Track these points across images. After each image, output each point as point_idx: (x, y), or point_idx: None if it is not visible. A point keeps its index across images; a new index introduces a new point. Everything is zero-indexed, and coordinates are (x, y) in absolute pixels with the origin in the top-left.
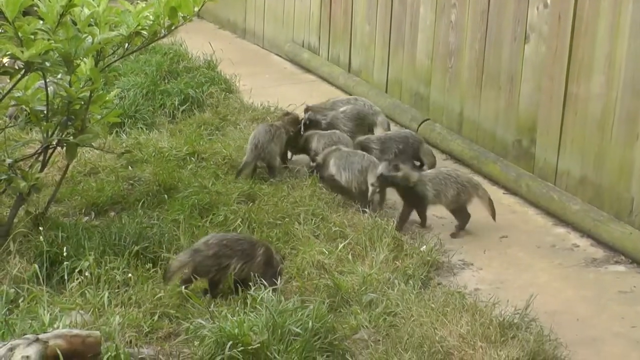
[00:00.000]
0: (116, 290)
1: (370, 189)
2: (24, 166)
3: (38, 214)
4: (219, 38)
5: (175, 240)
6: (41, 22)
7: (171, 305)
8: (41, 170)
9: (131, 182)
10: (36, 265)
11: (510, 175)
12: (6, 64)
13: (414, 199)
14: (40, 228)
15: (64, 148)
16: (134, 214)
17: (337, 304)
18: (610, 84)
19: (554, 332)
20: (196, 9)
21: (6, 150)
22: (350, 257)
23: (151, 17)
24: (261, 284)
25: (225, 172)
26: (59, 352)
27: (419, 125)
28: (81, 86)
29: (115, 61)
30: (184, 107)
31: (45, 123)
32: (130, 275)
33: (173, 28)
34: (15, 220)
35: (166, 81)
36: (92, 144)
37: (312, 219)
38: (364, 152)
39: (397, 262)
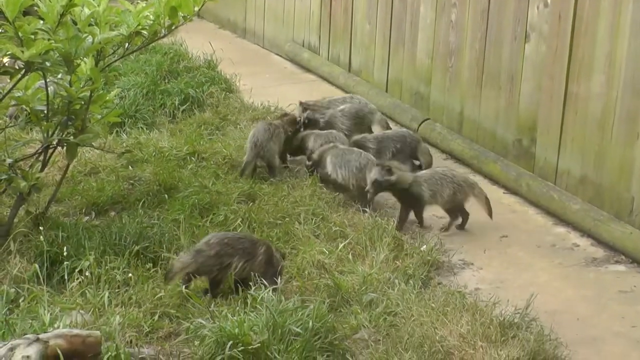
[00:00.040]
0: (116, 290)
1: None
2: (24, 166)
3: (38, 214)
4: (219, 38)
5: (176, 240)
6: (41, 21)
7: (171, 305)
8: (41, 170)
9: (131, 181)
10: (36, 265)
11: (511, 174)
12: (6, 64)
13: (410, 200)
14: (41, 228)
15: (64, 148)
16: (134, 213)
17: (338, 304)
18: (610, 84)
19: (554, 332)
20: (196, 8)
21: (6, 150)
22: (350, 256)
23: (151, 16)
24: (261, 283)
25: (225, 171)
26: (59, 352)
27: (419, 125)
28: (81, 86)
29: (116, 61)
30: (184, 106)
31: (45, 123)
32: (130, 275)
33: (173, 28)
34: (16, 220)
35: (166, 81)
36: (93, 143)
37: (312, 219)
38: (361, 150)
39: (397, 262)
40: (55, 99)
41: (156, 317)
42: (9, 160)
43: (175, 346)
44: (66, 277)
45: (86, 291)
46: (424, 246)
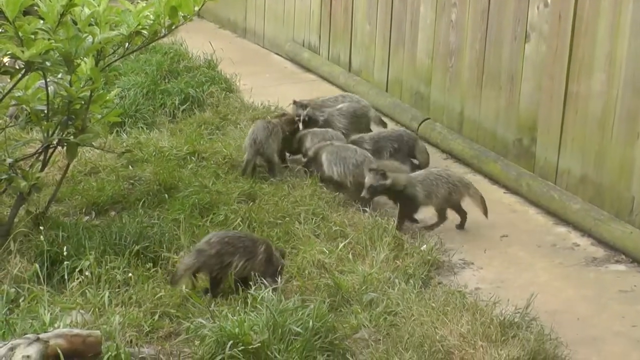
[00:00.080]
0: (117, 290)
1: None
2: (25, 166)
3: (38, 214)
4: (219, 37)
5: (176, 240)
6: (41, 21)
7: (172, 305)
8: (42, 169)
9: (132, 181)
10: (37, 265)
11: (511, 174)
12: (7, 64)
13: (405, 201)
14: (41, 227)
15: (65, 147)
16: (134, 213)
17: (338, 304)
18: (610, 83)
19: (555, 332)
20: (196, 8)
21: (7, 150)
22: (350, 256)
23: (151, 16)
24: (261, 283)
25: (225, 171)
26: (59, 351)
27: (419, 125)
28: (81, 86)
29: (116, 61)
30: (184, 106)
31: (45, 122)
32: (130, 274)
33: (173, 27)
34: (16, 219)
35: (166, 81)
36: (93, 143)
37: (312, 219)
38: (356, 147)
39: (397, 262)
40: (56, 99)
41: (156, 317)
42: (9, 160)
43: (175, 346)
44: (66, 276)
45: (86, 291)
46: (424, 246)
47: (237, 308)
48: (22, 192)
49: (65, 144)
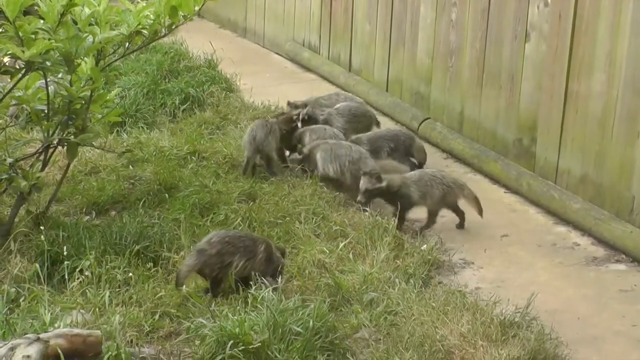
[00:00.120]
0: (117, 290)
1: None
2: (25, 165)
3: (39, 214)
4: (219, 37)
5: (176, 240)
6: (42, 21)
7: (172, 305)
8: (42, 169)
9: (132, 181)
10: (37, 265)
11: (511, 174)
12: (7, 64)
13: (400, 201)
14: (41, 227)
15: (65, 147)
16: (134, 213)
17: (338, 303)
18: (610, 83)
19: (555, 331)
20: (197, 8)
21: (7, 150)
22: (351, 256)
23: (152, 16)
24: (262, 282)
25: (226, 171)
26: (59, 351)
27: (420, 124)
28: (82, 85)
29: (116, 60)
30: (184, 106)
31: (46, 122)
32: (131, 274)
33: (174, 27)
34: (16, 219)
35: (167, 80)
36: (93, 143)
37: (312, 218)
38: (350, 144)
39: (397, 261)
40: (56, 99)
41: (157, 317)
42: (9, 160)
43: (175, 345)
44: (67, 276)
45: (87, 291)
46: (425, 245)
47: (238, 308)
48: (22, 192)
49: (66, 143)
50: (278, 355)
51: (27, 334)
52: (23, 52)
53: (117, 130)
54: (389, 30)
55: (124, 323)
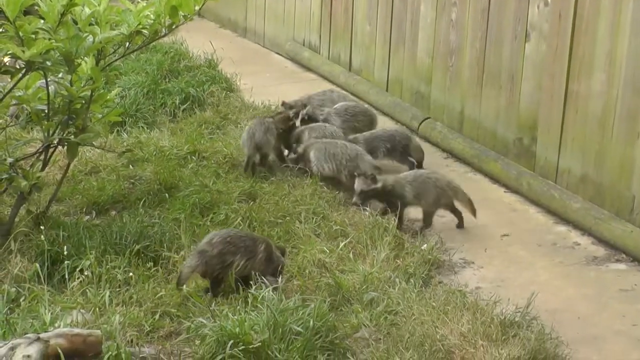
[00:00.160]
0: (117, 289)
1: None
2: (25, 165)
3: (39, 213)
4: (219, 37)
5: (177, 239)
6: (42, 21)
7: (172, 304)
8: (42, 169)
9: (132, 181)
10: (37, 265)
11: (511, 173)
12: (7, 63)
13: (394, 200)
14: (42, 227)
15: (65, 147)
16: (135, 212)
17: (338, 303)
18: (610, 82)
19: (555, 331)
20: (197, 7)
21: (7, 150)
22: (351, 255)
23: (152, 16)
24: (262, 282)
25: (226, 170)
26: (60, 351)
27: (420, 124)
28: (82, 85)
29: (116, 60)
30: (184, 106)
31: (46, 122)
32: (131, 274)
33: (174, 27)
34: (17, 219)
35: (167, 80)
36: (93, 143)
37: (313, 218)
38: (344, 142)
39: (398, 261)
40: (56, 99)
41: (157, 317)
42: (9, 160)
43: (176, 345)
44: (67, 276)
45: (87, 290)
46: (425, 245)
47: (238, 307)
48: (22, 192)
49: (66, 143)
50: (278, 355)
51: (27, 333)
52: (23, 52)
53: (117, 130)
54: (389, 30)
55: (124, 323)
